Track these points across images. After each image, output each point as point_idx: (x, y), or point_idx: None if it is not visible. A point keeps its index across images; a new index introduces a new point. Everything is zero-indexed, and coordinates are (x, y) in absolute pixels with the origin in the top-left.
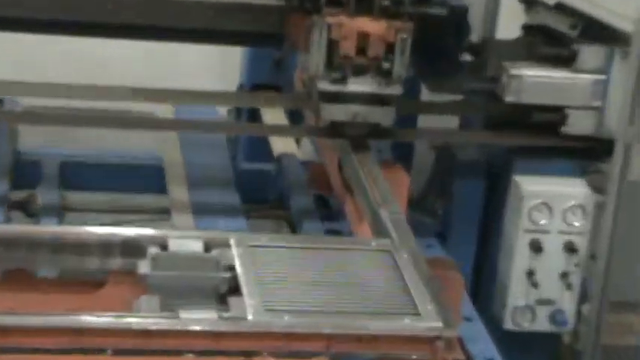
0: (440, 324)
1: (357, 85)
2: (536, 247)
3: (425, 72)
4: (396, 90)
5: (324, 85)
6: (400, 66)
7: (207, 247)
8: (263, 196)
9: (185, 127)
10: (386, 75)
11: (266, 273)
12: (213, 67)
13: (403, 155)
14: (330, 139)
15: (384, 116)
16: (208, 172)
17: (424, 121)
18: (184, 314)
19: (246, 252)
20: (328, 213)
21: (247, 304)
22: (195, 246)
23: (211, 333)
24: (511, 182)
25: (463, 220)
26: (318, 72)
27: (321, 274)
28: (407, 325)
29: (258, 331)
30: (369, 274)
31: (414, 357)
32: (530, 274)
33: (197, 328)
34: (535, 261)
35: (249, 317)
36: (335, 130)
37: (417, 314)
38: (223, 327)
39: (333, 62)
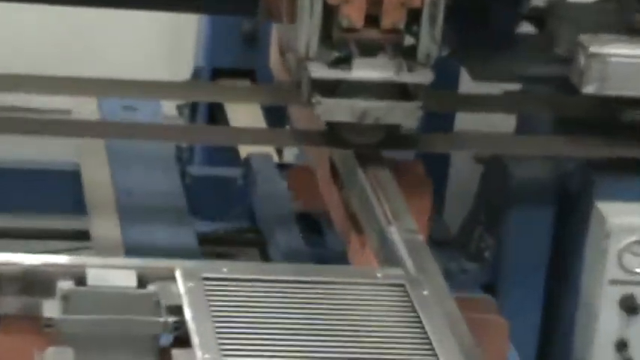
0: None
1: (366, 71)
2: (630, 307)
3: (465, 51)
4: (422, 77)
5: (319, 71)
6: (429, 42)
7: (143, 281)
8: (224, 211)
9: (112, 133)
10: (408, 55)
11: (227, 317)
12: (156, 44)
13: (434, 172)
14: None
15: (405, 115)
16: (146, 182)
17: (464, 122)
18: None
19: (198, 287)
20: (316, 237)
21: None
22: (126, 279)
23: None
24: (592, 211)
25: (522, 265)
26: (309, 51)
27: (306, 319)
28: None
29: None
30: (373, 318)
31: None
32: (622, 345)
33: None
34: (628, 327)
35: None
36: (334, 136)
37: None
38: None
39: (332, 37)
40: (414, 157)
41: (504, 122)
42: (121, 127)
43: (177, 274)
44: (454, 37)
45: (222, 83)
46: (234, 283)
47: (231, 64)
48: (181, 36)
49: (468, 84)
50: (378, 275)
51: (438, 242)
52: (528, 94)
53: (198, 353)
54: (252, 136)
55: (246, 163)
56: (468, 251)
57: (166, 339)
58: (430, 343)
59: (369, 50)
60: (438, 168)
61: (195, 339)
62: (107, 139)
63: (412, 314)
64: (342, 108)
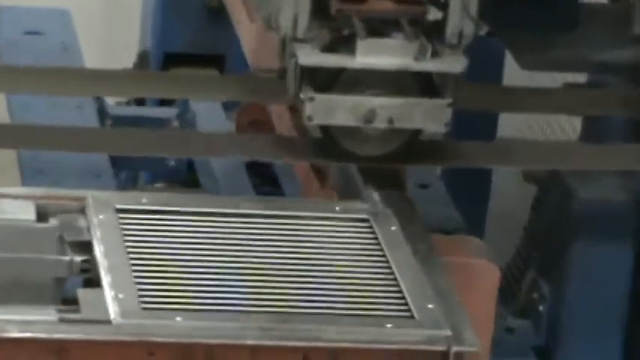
0: (447, 332)
1: (374, 56)
2: None
3: (511, 30)
4: (452, 64)
5: (310, 56)
6: (461, 16)
7: (44, 213)
8: (153, 161)
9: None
10: (433, 35)
11: (145, 254)
12: (86, 19)
13: (469, 195)
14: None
15: (429, 117)
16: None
17: (510, 125)
18: (3, 316)
19: (111, 220)
20: (269, 188)
21: (110, 300)
22: (22, 211)
23: (49, 345)
24: None
25: (590, 323)
26: (297, 29)
27: (244, 255)
28: (389, 334)
29: (128, 342)
30: (329, 256)
31: None
32: None
33: (26, 335)
34: None
35: (115, 319)
36: (331, 145)
37: (410, 317)
38: (70, 335)
39: (328, 10)
40: (441, 174)
41: (565, 126)
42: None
43: (89, 204)
44: (495, 11)
45: (176, 73)
46: (156, 216)
47: (191, 47)
48: (121, 10)
49: (515, 74)
50: (337, 209)
51: None
52: (598, 88)
53: (110, 293)
54: (221, 143)
55: (183, 101)
56: (516, 303)
57: (74, 282)
58: (397, 283)
59: (379, 28)
60: (474, 190)
61: (106, 277)
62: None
63: (378, 253)
64: (341, 107)
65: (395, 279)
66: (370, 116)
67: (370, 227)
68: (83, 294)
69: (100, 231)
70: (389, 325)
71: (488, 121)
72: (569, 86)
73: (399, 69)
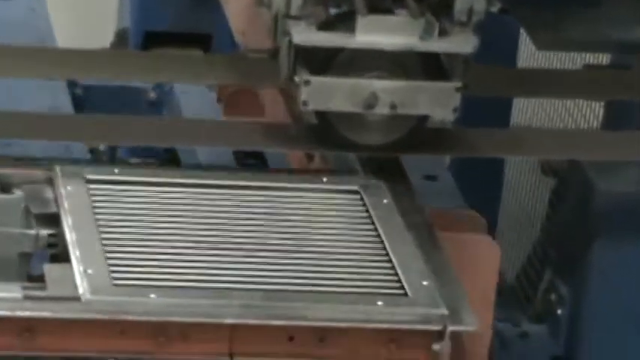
0: (443, 310)
1: (376, 34)
2: None
3: (527, 9)
4: (461, 44)
5: (305, 35)
6: None
7: (8, 184)
8: None
9: None
10: (441, 11)
11: (118, 227)
12: None
13: (481, 187)
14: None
15: (436, 101)
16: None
17: (525, 112)
18: None
19: (81, 192)
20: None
21: (80, 275)
22: None
23: (14, 323)
24: None
25: (614, 329)
26: (291, 5)
27: (224, 229)
28: (381, 312)
29: (98, 320)
30: (316, 229)
31: None
32: None
33: None
34: None
35: (84, 296)
36: (328, 133)
37: (403, 294)
38: (36, 312)
39: None
40: (449, 164)
41: (585, 112)
42: None
43: (54, 176)
44: None
45: (158, 53)
46: (129, 187)
47: (174, 26)
48: None
49: (531, 55)
50: (325, 180)
51: None
52: (621, 69)
53: (79, 268)
54: (208, 131)
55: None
56: (532, 306)
57: (40, 257)
58: (389, 259)
59: (382, 4)
60: (485, 183)
61: (74, 252)
62: None
63: (369, 227)
64: (340, 91)
65: (387, 254)
66: (371, 101)
67: (361, 200)
68: (50, 269)
69: (69, 203)
70: (380, 303)
71: (502, 107)
72: (590, 68)
73: (403, 49)
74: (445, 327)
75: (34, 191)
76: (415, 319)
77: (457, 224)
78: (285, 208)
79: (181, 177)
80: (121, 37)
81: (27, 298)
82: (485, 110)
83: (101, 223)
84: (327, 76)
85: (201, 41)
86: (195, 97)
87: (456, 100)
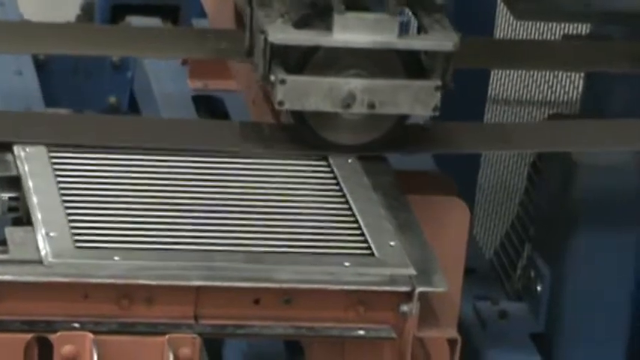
0: (411, 271)
1: (353, 32)
2: None
3: None
4: (444, 42)
5: (282, 33)
6: None
7: None
8: (94, 98)
9: None
10: (418, 7)
11: (80, 189)
12: None
13: (458, 162)
14: None
15: (416, 100)
16: None
17: (503, 84)
18: None
19: (41, 154)
20: None
21: (42, 238)
22: None
23: None
24: None
25: (595, 306)
26: None
27: (188, 192)
28: (347, 273)
29: (61, 283)
30: (279, 189)
31: (359, 332)
32: None
33: None
34: None
35: (47, 259)
36: (305, 133)
37: (370, 254)
38: None
39: None
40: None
41: (565, 83)
42: None
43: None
44: None
45: (126, 27)
46: (89, 149)
47: None
48: None
49: (508, 26)
50: None
51: (465, 270)
52: (601, 40)
53: (41, 231)
54: (184, 132)
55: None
56: (510, 284)
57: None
58: (355, 219)
59: (358, 1)
60: (462, 158)
61: (36, 215)
62: None
63: (334, 187)
64: (316, 90)
65: (353, 214)
66: (349, 100)
67: (325, 160)
68: (11, 233)
69: (29, 165)
70: (347, 264)
71: (480, 79)
72: (569, 38)
73: (382, 47)
74: (414, 288)
75: None
76: (383, 280)
77: (426, 186)
78: (249, 170)
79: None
80: (86, 11)
81: None
82: (462, 82)
83: (62, 185)
84: (304, 74)
85: (169, 13)
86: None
87: (436, 98)
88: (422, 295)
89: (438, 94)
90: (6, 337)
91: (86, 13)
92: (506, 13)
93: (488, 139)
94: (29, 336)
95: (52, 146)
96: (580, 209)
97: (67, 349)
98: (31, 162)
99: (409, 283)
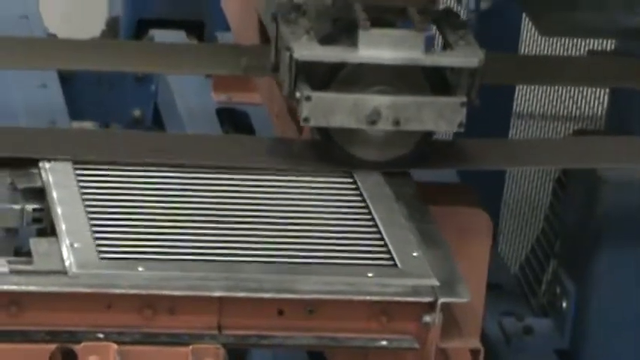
0: (434, 282)
1: (379, 49)
2: None
3: None
4: (469, 58)
5: (307, 50)
6: None
7: None
8: (117, 111)
9: None
10: (444, 24)
11: (104, 200)
12: None
13: (482, 177)
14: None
15: (441, 117)
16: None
17: (528, 100)
18: None
19: (66, 166)
20: None
21: (66, 249)
22: None
23: (0, 297)
24: None
25: (621, 323)
26: (288, 14)
27: (213, 202)
28: (371, 284)
29: (84, 293)
30: (303, 201)
31: (382, 342)
32: None
33: None
34: None
35: (71, 270)
36: (331, 149)
37: (393, 265)
38: (23, 287)
39: None
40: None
41: (590, 99)
42: None
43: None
44: None
45: (151, 43)
46: (115, 162)
47: (166, 12)
48: None
49: (533, 42)
50: None
51: (489, 286)
52: (626, 56)
53: (65, 242)
54: (211, 147)
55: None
56: (536, 300)
57: (27, 233)
58: (379, 230)
59: (384, 17)
60: (487, 172)
61: (60, 226)
62: None
63: (356, 198)
64: (342, 107)
65: (376, 225)
66: (374, 117)
67: (349, 173)
68: (36, 244)
69: (54, 177)
70: (370, 275)
71: (505, 94)
72: (594, 54)
73: (407, 63)
74: (436, 298)
75: (20, 166)
76: (406, 291)
77: (448, 197)
78: (271, 182)
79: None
80: (111, 26)
81: (13, 272)
82: (487, 97)
83: (86, 197)
84: (329, 91)
85: (194, 28)
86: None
87: (462, 114)
88: (444, 305)
89: (464, 111)
90: (30, 347)
91: (111, 29)
92: (531, 29)
93: (512, 155)
94: (53, 346)
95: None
96: (605, 225)
97: (91, 359)
98: (55, 173)
99: (432, 294)
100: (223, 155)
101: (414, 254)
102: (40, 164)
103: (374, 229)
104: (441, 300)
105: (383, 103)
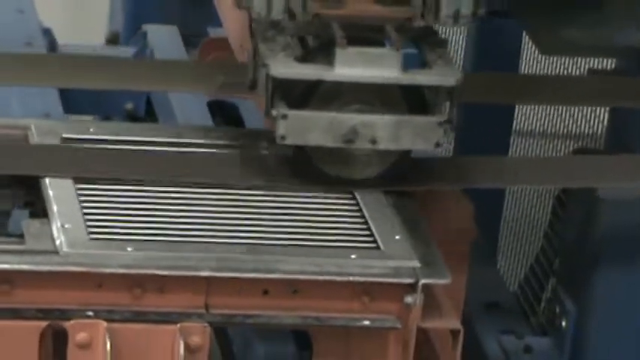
0: (415, 263)
1: (356, 67)
2: None
3: (529, 12)
4: (446, 77)
5: (284, 67)
6: None
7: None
8: (111, 103)
9: None
10: (422, 42)
11: (94, 182)
12: None
13: (482, 196)
14: None
15: (418, 137)
16: None
17: (528, 118)
18: None
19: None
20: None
21: (57, 230)
22: None
23: None
24: None
25: (623, 343)
26: (271, 9)
27: (200, 188)
28: (353, 265)
29: (75, 272)
30: (297, 201)
31: (365, 322)
32: None
33: None
34: None
35: (62, 249)
36: (306, 167)
37: (375, 248)
38: (15, 265)
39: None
40: None
41: (590, 117)
42: None
43: (30, 135)
44: None
45: (123, 60)
46: (105, 146)
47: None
48: None
49: (534, 61)
50: None
51: (488, 304)
52: (626, 75)
53: (57, 223)
54: (190, 165)
55: (141, 36)
56: (535, 318)
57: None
58: (362, 214)
59: (361, 35)
60: (486, 192)
61: (52, 207)
62: None
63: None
64: (318, 125)
65: (360, 209)
66: (351, 136)
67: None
68: (28, 225)
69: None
70: (353, 257)
71: (504, 114)
72: (594, 73)
73: (384, 82)
74: (417, 280)
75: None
76: (388, 272)
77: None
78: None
79: (158, 136)
80: (112, 41)
81: (5, 251)
82: (487, 117)
83: (77, 179)
84: (306, 109)
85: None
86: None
87: (439, 134)
88: (425, 286)
89: (441, 130)
90: (22, 324)
91: (111, 44)
92: (531, 47)
93: (510, 173)
94: (44, 324)
95: (68, 142)
96: (604, 244)
97: (81, 336)
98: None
99: (413, 275)
100: (200, 170)
101: (397, 237)
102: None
103: (358, 213)
104: (422, 281)
105: (360, 122)
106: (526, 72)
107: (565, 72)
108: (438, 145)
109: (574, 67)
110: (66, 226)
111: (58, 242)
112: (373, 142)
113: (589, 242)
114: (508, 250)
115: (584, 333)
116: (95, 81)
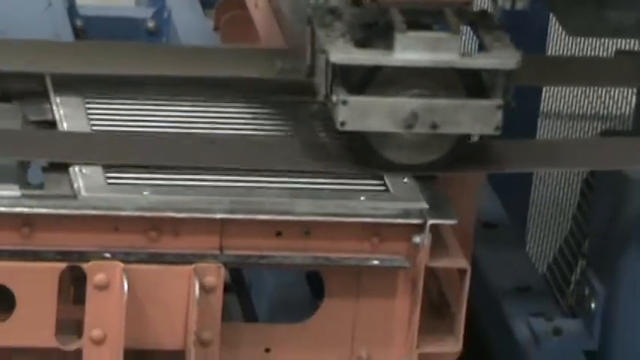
0: (423, 205)
1: (415, 52)
2: None
3: None
4: (505, 60)
5: (343, 52)
6: None
7: (6, 94)
8: None
9: None
10: (480, 26)
11: (111, 127)
12: None
13: (511, 180)
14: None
15: (477, 121)
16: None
17: (555, 100)
18: None
19: (79, 100)
20: None
21: (76, 175)
22: None
23: (13, 220)
24: None
25: None
26: (323, 17)
27: (214, 128)
28: (363, 207)
29: (93, 215)
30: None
31: (374, 262)
32: None
33: None
34: None
35: (80, 193)
36: (366, 153)
37: (384, 190)
38: (34, 209)
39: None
40: None
41: (618, 99)
42: None
43: (48, 85)
44: None
45: (182, 46)
46: (123, 97)
47: None
48: None
49: (562, 43)
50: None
51: (518, 287)
52: None
53: (75, 169)
54: (248, 148)
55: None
56: (564, 300)
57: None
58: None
59: (420, 19)
60: (515, 175)
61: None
62: None
63: None
64: (378, 110)
65: None
66: (411, 120)
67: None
68: (47, 172)
69: (65, 110)
70: (363, 199)
71: (532, 94)
72: (622, 54)
73: (443, 66)
74: (425, 220)
75: (31, 100)
76: (397, 213)
77: None
78: (278, 115)
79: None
80: None
81: (26, 196)
82: (515, 97)
83: (96, 129)
84: (366, 94)
85: None
86: (193, 25)
87: (498, 117)
88: (433, 227)
89: (500, 113)
90: (42, 265)
91: None
92: (558, 28)
93: (539, 157)
94: (63, 265)
95: (87, 95)
96: (633, 225)
97: (99, 277)
98: (66, 107)
99: (421, 216)
100: (258, 156)
101: (405, 180)
102: (52, 99)
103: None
104: (430, 221)
105: (420, 107)
106: (553, 54)
107: (592, 54)
108: (497, 129)
109: (601, 48)
110: (84, 171)
111: (76, 186)
112: (433, 126)
113: (618, 223)
114: (537, 233)
115: (614, 315)
116: (163, 67)
